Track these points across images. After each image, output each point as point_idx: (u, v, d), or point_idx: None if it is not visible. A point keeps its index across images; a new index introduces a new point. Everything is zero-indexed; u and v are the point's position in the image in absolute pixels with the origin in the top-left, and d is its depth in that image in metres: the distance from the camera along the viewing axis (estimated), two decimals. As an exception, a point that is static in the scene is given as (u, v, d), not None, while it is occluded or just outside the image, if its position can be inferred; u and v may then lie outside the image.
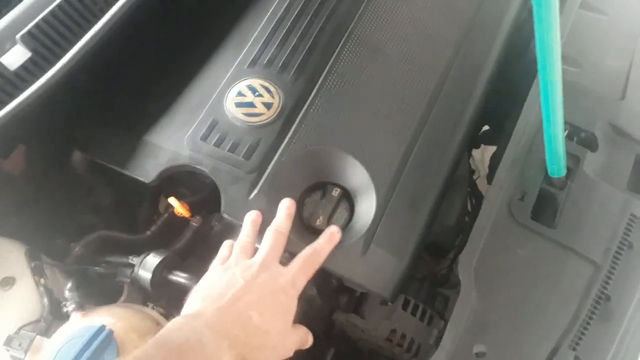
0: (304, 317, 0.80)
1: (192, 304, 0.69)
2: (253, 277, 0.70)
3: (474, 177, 1.22)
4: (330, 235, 0.78)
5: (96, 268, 0.87)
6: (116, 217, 1.00)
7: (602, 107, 0.89)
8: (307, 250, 0.76)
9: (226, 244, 0.80)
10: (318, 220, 0.82)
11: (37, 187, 0.93)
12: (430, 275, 1.04)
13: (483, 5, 0.99)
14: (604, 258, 0.78)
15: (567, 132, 0.87)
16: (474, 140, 1.20)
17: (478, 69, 0.93)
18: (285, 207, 0.79)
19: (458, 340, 0.74)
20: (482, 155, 1.40)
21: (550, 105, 0.71)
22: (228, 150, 0.83)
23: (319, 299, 0.88)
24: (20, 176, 0.91)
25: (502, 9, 0.99)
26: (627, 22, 0.99)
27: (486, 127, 1.22)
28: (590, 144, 0.86)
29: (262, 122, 0.85)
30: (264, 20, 0.94)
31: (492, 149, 1.12)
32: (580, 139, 0.87)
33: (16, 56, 0.79)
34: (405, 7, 0.97)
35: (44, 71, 0.79)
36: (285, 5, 0.95)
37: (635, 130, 0.87)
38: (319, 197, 0.83)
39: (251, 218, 0.79)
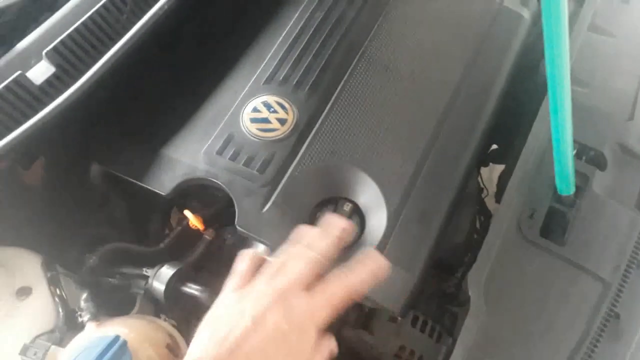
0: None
1: (199, 341, 0.59)
2: (262, 315, 0.57)
3: (482, 195, 1.23)
4: (377, 266, 0.62)
5: (110, 279, 0.89)
6: (130, 230, 1.01)
7: (611, 127, 0.91)
8: (343, 280, 0.60)
9: (244, 255, 0.65)
10: (330, 235, 0.83)
11: (54, 198, 0.95)
12: (439, 292, 1.05)
13: (493, 26, 1.01)
14: (613, 276, 0.78)
15: (576, 150, 0.88)
16: (483, 158, 1.22)
17: (488, 87, 0.95)
18: (338, 228, 0.64)
19: (467, 356, 0.74)
20: (490, 174, 1.41)
21: (559, 123, 0.72)
22: (243, 164, 0.85)
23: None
24: (38, 188, 0.94)
25: (512, 29, 1.01)
26: (635, 44, 1.01)
27: (495, 146, 1.23)
28: (599, 163, 0.87)
29: (276, 138, 0.87)
30: (280, 39, 0.97)
31: (500, 167, 1.13)
32: (589, 157, 0.88)
33: (41, 71, 0.81)
34: (416, 27, 1.00)
35: (67, 86, 0.82)
36: (300, 25, 0.98)
37: (643, 150, 0.89)
38: (330, 212, 0.85)
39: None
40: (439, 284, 1.04)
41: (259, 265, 0.63)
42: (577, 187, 0.83)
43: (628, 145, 0.89)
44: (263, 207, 0.83)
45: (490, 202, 1.20)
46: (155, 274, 0.85)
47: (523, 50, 1.01)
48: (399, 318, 0.85)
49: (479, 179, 1.19)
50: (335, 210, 0.85)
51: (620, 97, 0.94)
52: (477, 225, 1.12)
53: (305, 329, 0.59)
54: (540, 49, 0.70)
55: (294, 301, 0.59)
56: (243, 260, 0.65)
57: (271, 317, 0.58)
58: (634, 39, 1.01)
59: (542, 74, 0.71)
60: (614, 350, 0.76)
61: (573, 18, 1.01)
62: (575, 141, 0.86)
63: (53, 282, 0.87)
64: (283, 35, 0.98)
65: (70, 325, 0.84)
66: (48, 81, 0.82)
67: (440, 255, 0.89)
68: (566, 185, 0.81)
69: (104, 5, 0.86)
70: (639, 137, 0.90)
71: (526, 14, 1.03)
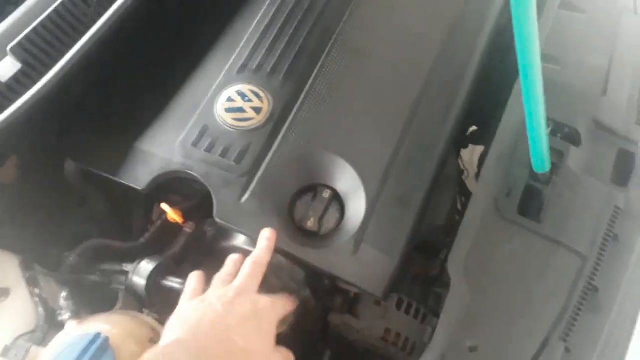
0: (299, 319, 0.82)
1: (169, 332, 0.67)
2: (231, 302, 0.69)
3: (463, 176, 1.24)
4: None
5: (91, 276, 0.88)
6: (109, 226, 1.00)
7: (585, 103, 0.92)
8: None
9: (193, 278, 0.78)
10: (309, 222, 0.83)
11: (30, 197, 0.93)
12: (423, 275, 1.05)
13: (465, 10, 1.01)
14: (591, 250, 0.80)
15: (550, 128, 0.89)
16: (461, 140, 1.22)
17: (462, 70, 0.95)
18: (266, 238, 0.77)
19: (450, 335, 0.75)
20: (471, 155, 1.42)
21: (531, 102, 0.72)
22: (219, 156, 0.84)
23: (313, 300, 0.89)
24: (12, 186, 0.92)
25: (484, 13, 1.01)
26: (606, 20, 1.01)
27: (474, 128, 1.24)
28: (573, 139, 0.88)
29: (252, 127, 0.87)
30: (252, 27, 0.96)
31: (480, 149, 1.14)
32: (564, 134, 0.89)
33: (7, 68, 0.80)
34: (390, 12, 0.99)
35: (35, 82, 0.80)
36: (273, 12, 0.97)
37: (617, 125, 0.90)
38: (310, 199, 0.84)
39: (233, 259, 0.78)
40: (423, 267, 1.05)
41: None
42: (553, 164, 0.84)
43: (602, 121, 0.90)
44: (241, 197, 0.82)
45: (471, 184, 1.21)
46: (135, 269, 0.84)
47: (496, 31, 1.01)
48: (383, 301, 0.86)
49: (459, 160, 1.20)
50: (314, 198, 0.85)
51: (593, 73, 0.95)
52: (459, 206, 1.13)
53: (269, 315, 0.70)
54: (512, 31, 0.70)
55: (252, 295, 0.71)
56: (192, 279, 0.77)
57: (239, 302, 0.69)
58: (605, 16, 1.02)
59: (515, 54, 0.71)
60: (594, 322, 0.78)
61: (544, -4, 1.01)
62: (549, 119, 0.87)
63: (32, 282, 0.86)
64: (255, 22, 0.97)
65: (51, 325, 0.83)
66: (15, 78, 0.80)
67: (422, 237, 0.89)
68: (541, 163, 0.81)
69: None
70: (612, 112, 0.91)
71: (497, -7, 1.03)
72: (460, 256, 0.79)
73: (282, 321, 0.74)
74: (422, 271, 1.07)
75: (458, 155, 1.18)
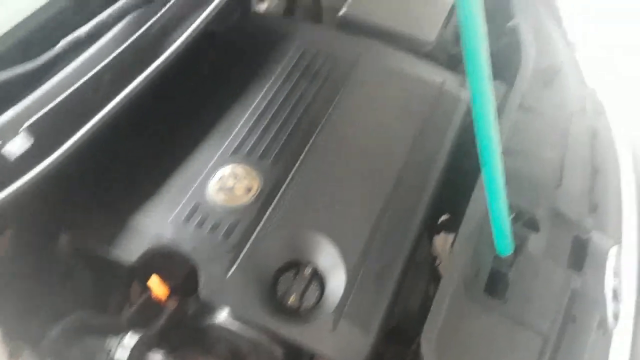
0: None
1: None
2: None
3: (436, 263, 1.29)
4: None
5: (73, 350, 0.88)
6: (94, 300, 1.01)
7: (543, 193, 1.01)
8: None
9: None
10: (291, 299, 0.88)
11: (19, 269, 0.95)
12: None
13: (435, 107, 1.13)
14: (551, 330, 0.85)
15: (513, 214, 0.97)
16: (434, 226, 1.30)
17: (432, 161, 1.06)
18: None
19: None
20: (444, 242, 1.48)
21: (493, 191, 0.81)
22: (208, 232, 0.90)
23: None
24: (2, 260, 0.94)
25: (452, 110, 1.14)
26: (558, 119, 1.14)
27: (446, 216, 1.31)
28: (533, 225, 0.96)
29: (241, 205, 0.94)
30: (248, 113, 1.07)
31: (452, 236, 1.20)
32: (525, 221, 0.97)
33: (18, 145, 0.86)
34: (368, 108, 1.12)
35: (41, 160, 0.86)
36: (267, 101, 1.09)
37: (571, 214, 0.99)
38: (292, 275, 0.90)
39: None
40: (397, 354, 1.08)
41: None
42: (516, 248, 0.91)
43: (558, 210, 0.99)
44: (227, 272, 0.87)
45: (444, 270, 1.25)
46: (119, 343, 0.86)
47: (463, 126, 1.13)
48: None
49: (432, 247, 1.26)
50: (297, 274, 0.90)
51: (549, 166, 1.05)
52: (431, 293, 1.17)
53: None
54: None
55: None
56: None
57: None
58: (557, 115, 1.15)
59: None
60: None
61: (505, 99, 1.14)
62: (511, 206, 0.96)
63: (14, 355, 0.86)
64: (250, 110, 1.07)
65: (30, 398, 0.83)
66: (22, 156, 0.86)
67: (397, 323, 0.94)
68: (505, 247, 0.89)
69: (82, 85, 0.92)
70: (567, 202, 1.00)
71: (464, 95, 1.16)
72: (432, 334, 0.84)
73: None
74: (397, 358, 1.09)
75: (431, 242, 1.25)
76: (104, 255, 0.91)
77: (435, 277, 1.20)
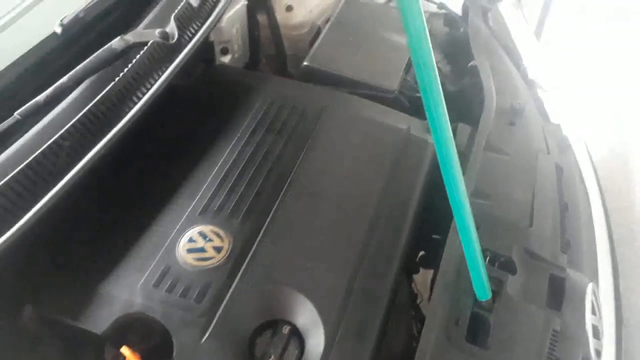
0: None
1: None
2: None
3: (418, 300, 1.28)
4: None
5: None
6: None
7: (515, 234, 1.02)
8: None
9: None
10: (270, 360, 0.85)
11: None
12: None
13: (404, 151, 1.14)
14: (535, 376, 0.84)
15: (488, 257, 0.97)
16: (412, 266, 1.29)
17: (405, 204, 1.06)
18: None
19: None
20: (424, 278, 1.48)
21: (467, 236, 0.81)
22: (179, 296, 0.87)
23: None
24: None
25: (420, 153, 1.15)
26: (524, 159, 1.16)
27: (422, 252, 1.31)
28: (509, 267, 0.96)
29: (212, 266, 0.91)
30: (214, 172, 1.05)
31: (431, 272, 1.20)
32: (501, 263, 0.97)
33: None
34: (336, 157, 1.12)
35: (2, 233, 0.83)
36: (233, 157, 1.07)
37: (545, 253, 0.99)
38: (269, 336, 0.87)
39: None
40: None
41: None
42: (494, 292, 0.91)
43: (532, 249, 0.99)
44: (201, 338, 0.84)
45: (426, 307, 1.25)
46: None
47: (432, 168, 1.14)
48: None
49: (413, 285, 1.25)
50: (274, 334, 0.87)
51: (520, 207, 1.07)
52: (415, 332, 1.16)
53: None
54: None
55: None
56: None
57: None
58: (524, 156, 1.17)
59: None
60: None
61: (471, 140, 1.16)
62: (486, 249, 0.96)
63: None
64: (216, 168, 1.06)
65: None
66: (-19, 227, 0.82)
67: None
68: (483, 291, 0.88)
69: (41, 153, 0.90)
70: (539, 241, 1.01)
71: (430, 139, 1.17)
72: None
73: None
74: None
75: (411, 280, 1.24)
76: (72, 325, 0.86)
77: (417, 316, 1.19)
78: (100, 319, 0.86)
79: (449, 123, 0.74)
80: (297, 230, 0.98)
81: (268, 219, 0.99)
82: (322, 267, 0.94)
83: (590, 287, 0.95)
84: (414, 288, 1.26)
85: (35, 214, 0.85)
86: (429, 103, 0.71)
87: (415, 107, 1.28)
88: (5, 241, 0.81)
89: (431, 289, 1.16)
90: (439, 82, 0.70)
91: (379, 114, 1.20)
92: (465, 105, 1.28)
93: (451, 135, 0.75)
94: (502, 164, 1.13)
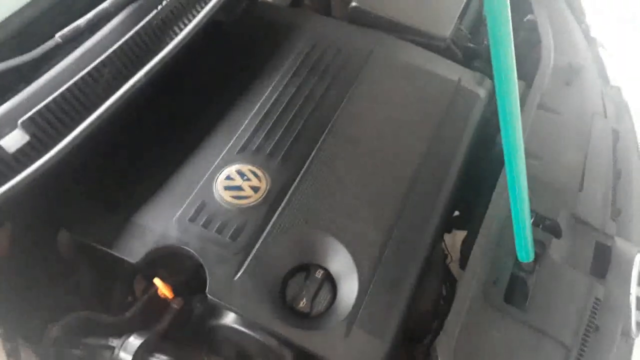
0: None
1: None
2: None
3: (447, 261, 1.26)
4: None
5: (74, 350, 0.85)
6: (95, 299, 0.99)
7: (564, 198, 0.97)
8: None
9: None
10: (301, 303, 0.84)
11: (19, 267, 0.92)
12: (408, 361, 1.05)
13: (452, 104, 1.09)
14: (574, 341, 0.82)
15: (533, 219, 0.93)
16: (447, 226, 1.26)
17: (449, 160, 1.02)
18: None
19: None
20: (453, 240, 1.45)
21: (517, 195, 0.77)
22: (215, 232, 0.86)
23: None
24: (3, 255, 0.91)
25: (470, 107, 1.10)
26: (578, 120, 1.10)
27: (457, 213, 1.28)
28: (555, 231, 0.93)
29: (249, 205, 0.90)
30: (254, 112, 1.02)
31: (462, 233, 1.18)
32: (546, 226, 0.93)
33: (15, 140, 0.82)
34: (381, 106, 1.07)
35: (41, 155, 0.82)
36: (274, 98, 1.04)
37: (593, 220, 0.95)
38: (302, 279, 0.86)
39: None
40: (407, 352, 1.05)
41: None
42: (536, 254, 0.87)
43: (580, 215, 0.95)
44: (235, 274, 0.83)
45: (455, 268, 1.23)
46: (122, 344, 0.83)
47: (480, 125, 1.09)
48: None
49: (443, 245, 1.23)
50: (307, 277, 0.86)
51: (570, 170, 1.01)
52: (443, 292, 1.14)
53: None
54: (495, 124, 0.76)
55: None
56: None
57: None
58: (577, 116, 1.11)
59: (499, 146, 0.77)
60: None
61: (524, 98, 1.10)
62: (531, 210, 0.92)
63: (12, 354, 0.83)
64: (257, 107, 1.03)
65: (28, 399, 0.80)
66: (21, 150, 0.82)
67: (408, 324, 0.90)
68: (525, 253, 0.85)
69: (81, 78, 0.89)
70: (589, 207, 0.97)
71: (482, 92, 1.12)
72: (449, 341, 0.80)
73: None
74: (406, 357, 1.07)
75: (442, 239, 1.22)
76: (108, 253, 0.87)
77: (446, 277, 1.17)
78: (135, 249, 0.86)
79: (516, 78, 0.69)
80: (336, 176, 0.96)
81: (307, 163, 0.96)
82: (359, 215, 0.92)
83: (638, 257, 0.91)
84: (444, 248, 1.24)
85: (72, 140, 0.85)
86: (497, 53, 0.65)
87: (467, 58, 1.21)
88: (43, 165, 0.81)
89: (461, 251, 1.14)
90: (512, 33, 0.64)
91: (429, 62, 1.14)
92: (519, 61, 1.20)
93: (516, 87, 0.70)
94: (554, 124, 1.07)
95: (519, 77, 1.13)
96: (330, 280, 0.87)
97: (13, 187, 0.79)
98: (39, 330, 0.87)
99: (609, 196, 0.99)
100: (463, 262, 0.94)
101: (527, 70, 1.17)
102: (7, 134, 0.83)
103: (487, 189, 1.00)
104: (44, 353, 0.83)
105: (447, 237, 1.31)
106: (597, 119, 1.11)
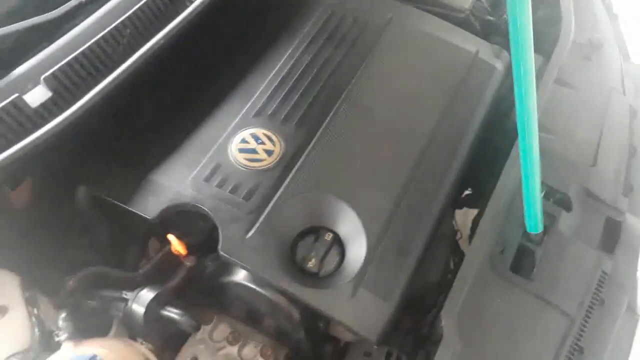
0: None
1: None
2: None
3: (457, 237, 1.27)
4: None
5: (89, 302, 0.89)
6: (110, 254, 1.02)
7: (576, 172, 0.97)
8: None
9: None
10: (310, 263, 0.86)
11: (39, 221, 0.96)
12: (414, 331, 1.07)
13: (468, 75, 1.08)
14: (578, 312, 0.83)
15: (544, 192, 0.93)
16: (457, 199, 1.27)
17: (462, 132, 1.02)
18: None
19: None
20: (465, 217, 1.45)
21: (528, 166, 0.78)
22: (229, 192, 0.88)
23: (306, 343, 0.90)
24: (23, 209, 0.94)
25: (486, 80, 1.09)
26: (594, 96, 1.09)
27: (469, 191, 1.28)
28: (565, 204, 0.93)
29: (262, 167, 0.91)
30: (270, 77, 1.03)
31: (474, 212, 1.18)
32: (556, 199, 0.94)
33: (38, 95, 0.84)
34: (396, 75, 1.07)
35: (62, 111, 0.84)
36: (289, 65, 1.04)
37: (605, 195, 0.95)
38: (312, 241, 0.88)
39: None
40: (414, 322, 1.06)
41: None
42: (545, 227, 0.88)
43: (591, 189, 0.95)
44: (247, 233, 0.85)
45: (464, 245, 1.24)
46: (135, 297, 0.86)
47: (496, 98, 1.08)
48: (375, 346, 0.87)
49: (453, 222, 1.23)
50: (316, 239, 0.88)
51: (584, 145, 1.01)
52: (451, 266, 1.15)
53: None
54: (511, 98, 0.76)
55: None
56: None
57: None
58: (594, 93, 1.10)
59: (513, 121, 0.77)
60: (578, 383, 0.79)
61: (541, 72, 1.09)
62: (543, 183, 0.92)
63: (31, 302, 0.87)
64: (273, 73, 1.04)
65: (45, 346, 0.83)
66: (43, 105, 0.84)
67: (415, 294, 0.92)
68: (535, 224, 0.86)
69: (102, 37, 0.90)
70: (601, 182, 0.96)
71: (499, 65, 1.11)
72: (454, 308, 0.82)
73: None
74: (413, 326, 1.08)
75: (453, 216, 1.22)
76: (124, 208, 0.89)
77: (455, 252, 1.18)
78: (150, 205, 0.89)
79: (532, 50, 0.68)
80: (349, 143, 0.97)
81: (321, 129, 0.97)
82: (370, 181, 0.93)
83: (648, 234, 0.92)
84: (455, 225, 1.24)
85: (93, 97, 0.87)
86: (516, 26, 0.65)
87: (485, 32, 1.20)
88: (64, 120, 0.83)
89: (471, 228, 1.14)
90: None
91: (447, 32, 1.13)
92: (538, 36, 1.19)
93: (532, 59, 0.69)
94: (570, 99, 1.07)
95: (539, 52, 1.13)
96: (339, 244, 0.88)
97: (35, 141, 0.81)
98: (56, 281, 0.90)
99: (622, 172, 0.99)
100: (473, 239, 0.95)
101: (548, 46, 1.16)
102: (30, 89, 0.85)
103: (499, 166, 1.00)
104: (60, 303, 0.87)
105: (458, 214, 1.32)
106: (615, 95, 1.10)
